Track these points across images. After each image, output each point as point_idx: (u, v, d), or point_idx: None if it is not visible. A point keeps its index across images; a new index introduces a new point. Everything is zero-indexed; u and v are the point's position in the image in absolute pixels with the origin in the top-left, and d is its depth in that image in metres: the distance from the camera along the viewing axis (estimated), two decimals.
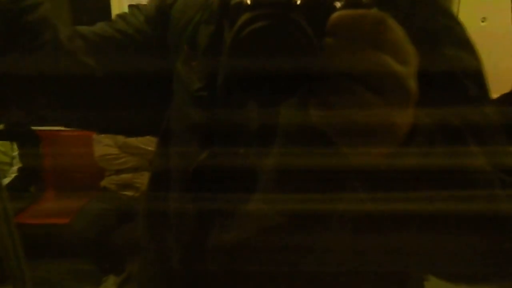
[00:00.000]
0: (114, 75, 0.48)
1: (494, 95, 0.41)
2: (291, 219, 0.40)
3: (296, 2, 0.25)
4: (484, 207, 0.30)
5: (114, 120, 0.50)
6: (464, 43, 0.40)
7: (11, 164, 2.12)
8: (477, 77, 0.39)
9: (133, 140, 1.94)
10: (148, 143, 1.85)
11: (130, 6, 0.54)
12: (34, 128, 2.13)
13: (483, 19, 1.95)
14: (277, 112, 0.40)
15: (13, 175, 2.08)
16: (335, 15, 0.24)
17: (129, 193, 1.94)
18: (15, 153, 2.13)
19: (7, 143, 2.11)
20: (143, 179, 1.90)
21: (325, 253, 0.40)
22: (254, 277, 0.42)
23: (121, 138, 1.96)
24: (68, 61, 0.48)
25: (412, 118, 0.26)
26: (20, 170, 2.10)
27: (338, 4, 0.25)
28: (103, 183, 1.99)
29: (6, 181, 1.99)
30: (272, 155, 0.40)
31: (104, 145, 1.98)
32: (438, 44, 0.39)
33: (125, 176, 1.96)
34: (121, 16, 0.53)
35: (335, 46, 0.24)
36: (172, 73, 0.49)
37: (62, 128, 2.06)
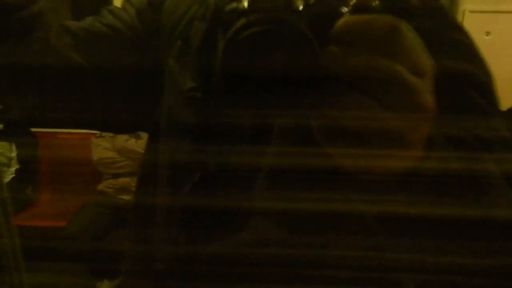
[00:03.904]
0: (103, 71, 0.47)
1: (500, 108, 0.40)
2: (290, 225, 0.39)
3: (297, 7, 0.24)
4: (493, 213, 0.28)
5: (103, 116, 0.49)
6: (473, 56, 0.39)
7: (9, 165, 2.11)
8: (487, 91, 0.37)
9: (132, 144, 1.93)
10: None
11: (124, 0, 0.52)
12: (32, 129, 2.13)
13: (487, 33, 1.95)
14: (272, 116, 0.39)
15: (10, 176, 2.07)
16: (342, 20, 0.23)
17: (126, 197, 1.92)
18: (14, 154, 2.13)
19: (5, 144, 2.11)
20: None
21: (325, 256, 0.38)
22: (248, 279, 0.41)
23: (119, 142, 1.95)
24: (55, 58, 0.46)
25: (426, 135, 0.24)
26: (17, 171, 2.09)
27: (345, 10, 0.24)
28: (100, 187, 1.98)
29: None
30: (268, 155, 0.39)
31: (103, 149, 1.97)
32: (448, 56, 0.38)
33: (123, 180, 1.95)
34: (110, 10, 0.51)
35: (341, 54, 0.22)
36: (163, 69, 0.47)
37: (60, 130, 2.06)
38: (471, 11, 1.89)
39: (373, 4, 0.24)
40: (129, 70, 0.47)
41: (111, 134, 1.91)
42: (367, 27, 0.22)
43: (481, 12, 1.93)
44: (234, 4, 0.25)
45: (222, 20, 0.24)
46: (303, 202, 0.35)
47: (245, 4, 0.24)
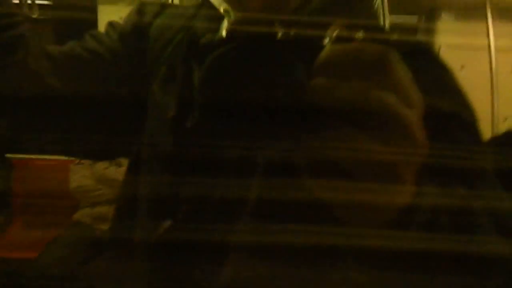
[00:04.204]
0: (82, 96, 0.45)
1: None
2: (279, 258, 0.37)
3: (277, 36, 0.23)
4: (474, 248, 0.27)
5: (83, 142, 0.47)
6: (459, 96, 0.39)
7: None
8: (472, 130, 0.37)
9: (112, 172, 1.88)
10: None
11: (108, 24, 0.52)
12: (7, 155, 2.06)
13: (462, 67, 2.03)
14: (256, 148, 0.38)
15: None
16: (328, 49, 0.22)
17: (104, 226, 1.85)
18: None
19: None
20: None
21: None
22: None
23: (99, 170, 1.90)
24: (32, 83, 0.45)
25: (416, 170, 0.23)
26: None
27: (326, 42, 0.23)
28: (76, 216, 1.90)
29: None
30: (253, 188, 0.38)
31: (81, 176, 1.91)
32: (434, 94, 0.38)
33: (100, 209, 1.88)
34: (93, 35, 0.50)
35: (329, 85, 0.21)
36: (147, 95, 0.46)
37: (37, 157, 2.00)
38: (447, 46, 1.98)
39: (357, 36, 0.23)
40: (109, 96, 0.45)
41: (90, 161, 1.87)
42: (355, 56, 0.21)
43: (456, 47, 2.02)
44: (209, 35, 0.24)
45: (197, 51, 0.24)
46: (287, 236, 0.34)
47: (223, 33, 0.24)
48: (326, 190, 0.23)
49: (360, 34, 0.23)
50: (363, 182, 0.22)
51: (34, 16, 0.54)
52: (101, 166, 1.89)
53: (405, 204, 0.23)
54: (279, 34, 0.23)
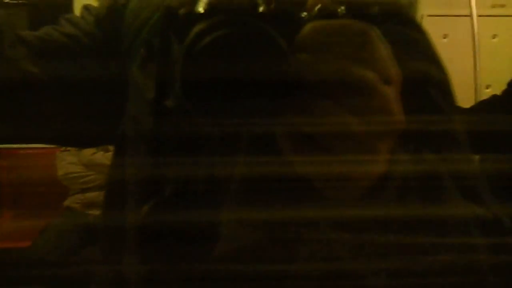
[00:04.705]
0: (61, 82, 0.44)
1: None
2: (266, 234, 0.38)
3: (259, 10, 0.22)
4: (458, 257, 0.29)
5: (65, 130, 0.47)
6: (430, 56, 0.40)
7: None
8: (445, 90, 0.38)
9: (99, 157, 1.87)
10: None
11: (82, 8, 0.50)
12: None
13: (445, 36, 2.04)
14: (239, 125, 0.38)
15: None
16: (310, 25, 0.22)
17: (95, 212, 1.85)
18: None
19: None
20: None
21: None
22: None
23: (86, 155, 1.88)
24: (9, 70, 0.44)
25: (393, 142, 0.24)
26: None
27: (305, 15, 0.23)
28: (67, 202, 1.89)
29: None
30: (238, 165, 0.38)
31: (68, 163, 1.89)
32: (406, 56, 0.38)
33: (91, 195, 1.87)
34: (68, 19, 0.49)
35: (310, 61, 0.22)
36: (127, 78, 0.45)
37: (22, 146, 1.97)
38: (429, 15, 1.98)
39: (339, 10, 0.23)
40: (89, 80, 0.44)
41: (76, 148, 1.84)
42: (337, 33, 0.22)
43: (439, 16, 2.02)
44: (185, 8, 0.24)
45: (175, 26, 0.23)
46: (273, 211, 0.35)
47: (201, 9, 0.23)
48: (306, 164, 0.24)
49: (342, 8, 0.23)
50: (342, 155, 0.23)
51: (6, 0, 0.53)
52: (88, 152, 1.87)
53: (381, 173, 0.24)
54: (261, 8, 0.23)
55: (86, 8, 0.50)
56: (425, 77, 0.37)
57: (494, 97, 1.17)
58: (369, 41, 0.22)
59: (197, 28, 0.22)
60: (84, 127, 0.47)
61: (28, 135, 0.51)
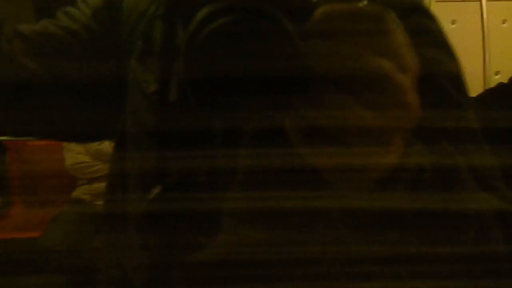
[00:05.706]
0: (59, 76, 0.44)
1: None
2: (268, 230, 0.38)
3: None
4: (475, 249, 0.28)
5: (65, 126, 0.46)
6: (442, 44, 0.39)
7: None
8: (457, 80, 0.37)
9: (107, 147, 1.88)
10: None
11: (79, 0, 0.50)
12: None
13: (453, 22, 2.00)
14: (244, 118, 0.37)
15: None
16: (322, 10, 0.20)
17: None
18: None
19: None
20: None
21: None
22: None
23: (93, 145, 1.89)
24: (5, 65, 0.44)
25: (408, 133, 0.23)
26: None
27: None
28: (75, 193, 1.91)
29: None
30: (241, 158, 0.37)
31: (75, 153, 1.90)
32: (421, 45, 0.37)
33: (98, 185, 1.89)
34: (66, 12, 0.48)
35: (322, 49, 0.20)
36: (125, 72, 0.45)
37: (30, 138, 1.98)
38: (437, 1, 1.94)
39: None
40: (88, 74, 0.44)
41: None
42: (352, 19, 0.20)
43: (447, 1, 1.98)
44: None
45: (180, 11, 0.21)
46: (277, 201, 0.34)
47: None
48: (318, 156, 0.23)
49: None
50: (355, 148, 0.22)
51: None
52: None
53: (394, 165, 0.24)
54: None
55: (83, 1, 0.49)
56: (438, 67, 0.35)
57: (500, 85, 1.15)
58: (385, 27, 0.20)
59: (201, 14, 0.21)
60: (83, 122, 0.46)
61: (27, 130, 0.51)
